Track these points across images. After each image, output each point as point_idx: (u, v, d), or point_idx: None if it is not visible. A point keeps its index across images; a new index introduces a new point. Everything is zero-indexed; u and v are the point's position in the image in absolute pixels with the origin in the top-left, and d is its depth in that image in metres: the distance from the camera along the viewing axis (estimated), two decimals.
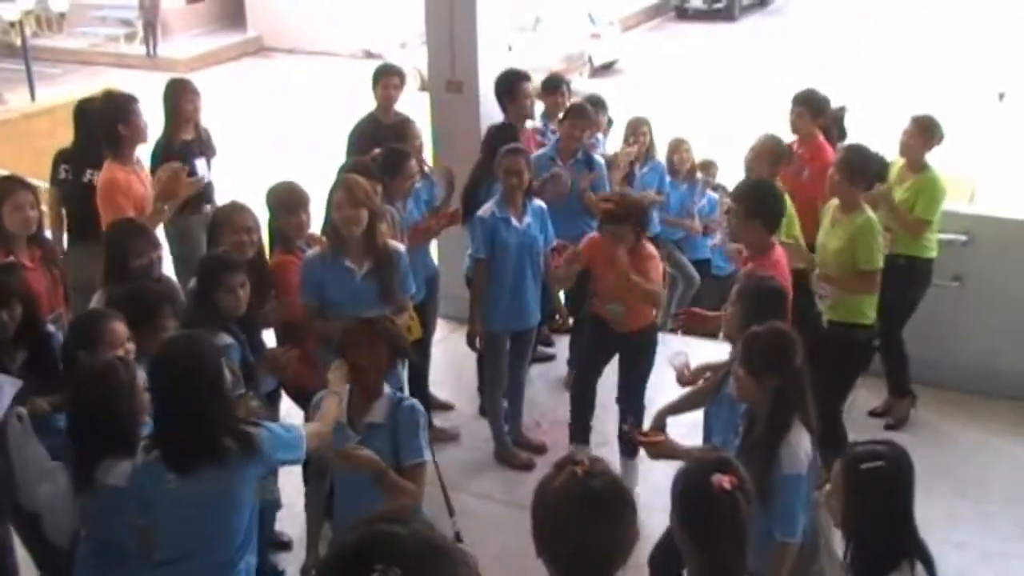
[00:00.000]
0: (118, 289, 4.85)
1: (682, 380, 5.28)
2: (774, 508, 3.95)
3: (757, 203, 5.51)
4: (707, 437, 4.76)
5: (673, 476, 3.00)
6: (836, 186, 6.15)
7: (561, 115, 7.63)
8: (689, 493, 2.91)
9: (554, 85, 7.98)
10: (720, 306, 5.47)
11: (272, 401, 5.52)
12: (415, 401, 4.42)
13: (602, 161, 7.48)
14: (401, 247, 5.57)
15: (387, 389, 4.32)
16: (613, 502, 2.55)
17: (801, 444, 4.09)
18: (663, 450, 4.55)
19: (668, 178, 8.60)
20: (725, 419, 4.57)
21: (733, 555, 2.85)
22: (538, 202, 6.51)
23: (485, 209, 6.39)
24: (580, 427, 6.41)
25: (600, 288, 6.14)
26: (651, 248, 6.07)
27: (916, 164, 6.72)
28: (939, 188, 6.68)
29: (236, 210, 5.40)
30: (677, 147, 8.72)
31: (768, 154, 6.60)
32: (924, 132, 6.67)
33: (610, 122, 8.60)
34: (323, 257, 5.36)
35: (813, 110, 7.21)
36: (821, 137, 7.19)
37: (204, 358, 3.74)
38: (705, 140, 10.31)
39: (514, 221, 6.33)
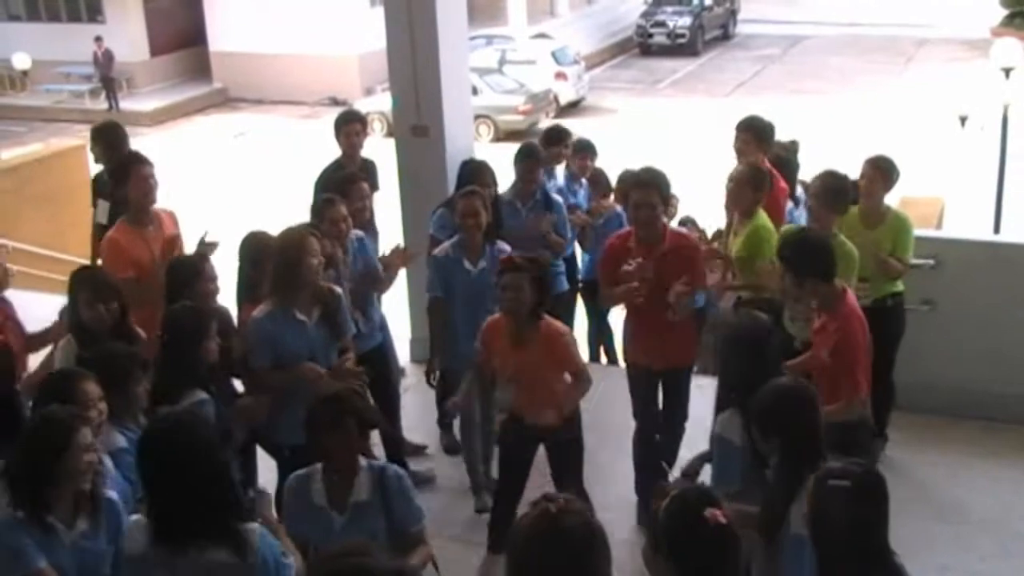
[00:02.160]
0: (89, 349, 4.79)
1: None
2: (780, 566, 3.84)
3: (804, 260, 5.13)
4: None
5: (650, 518, 2.89)
6: (815, 212, 6.12)
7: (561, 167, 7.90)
8: (681, 529, 2.75)
9: (557, 137, 8.03)
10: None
11: (247, 455, 5.45)
12: (394, 467, 4.30)
13: (560, 201, 7.48)
14: (337, 288, 5.53)
15: (362, 461, 4.13)
16: (583, 540, 2.50)
17: None
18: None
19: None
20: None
21: None
22: (501, 245, 6.39)
23: (442, 248, 6.40)
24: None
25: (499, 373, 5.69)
26: (558, 325, 5.47)
27: (878, 209, 6.48)
28: (911, 224, 6.60)
29: (204, 260, 5.35)
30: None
31: (749, 181, 6.55)
32: (884, 174, 6.48)
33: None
34: (272, 315, 5.25)
35: (758, 136, 7.21)
36: (767, 163, 7.16)
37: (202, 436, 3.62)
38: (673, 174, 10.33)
39: (467, 264, 6.27)
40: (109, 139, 7.23)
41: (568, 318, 7.66)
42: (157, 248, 6.16)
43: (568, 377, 5.41)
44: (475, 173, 6.92)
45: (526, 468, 5.65)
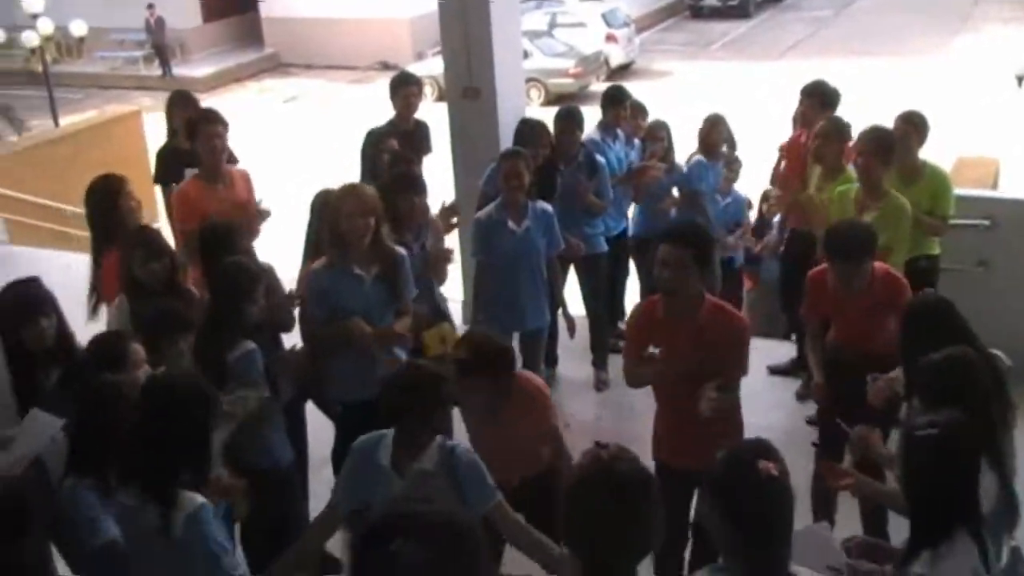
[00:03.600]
0: (139, 304, 4.91)
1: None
2: None
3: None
4: None
5: (704, 476, 2.84)
6: (867, 171, 5.96)
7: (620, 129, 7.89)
8: (734, 482, 2.72)
9: (616, 99, 8.04)
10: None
11: (294, 413, 5.53)
12: (467, 446, 4.16)
13: (603, 163, 7.49)
14: (403, 251, 5.54)
15: (437, 438, 4.05)
16: (636, 487, 2.53)
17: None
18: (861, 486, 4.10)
19: (702, 160, 8.51)
20: None
21: (781, 544, 2.73)
22: (542, 205, 6.49)
23: (484, 211, 6.44)
24: None
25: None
26: (533, 384, 4.82)
27: (914, 165, 6.35)
28: (949, 180, 6.47)
29: (231, 231, 5.43)
30: (714, 123, 8.53)
31: (835, 134, 6.43)
32: (918, 129, 6.38)
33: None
34: (330, 267, 5.32)
35: (823, 101, 7.18)
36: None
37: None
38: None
39: (511, 224, 6.34)
40: (183, 105, 7.43)
41: (599, 281, 7.68)
42: (226, 206, 6.25)
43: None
44: (532, 133, 6.98)
45: None
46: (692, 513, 4.50)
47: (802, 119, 7.31)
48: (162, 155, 7.56)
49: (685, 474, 4.36)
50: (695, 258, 4.45)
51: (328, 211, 5.38)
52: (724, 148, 8.58)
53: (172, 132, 7.51)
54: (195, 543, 3.40)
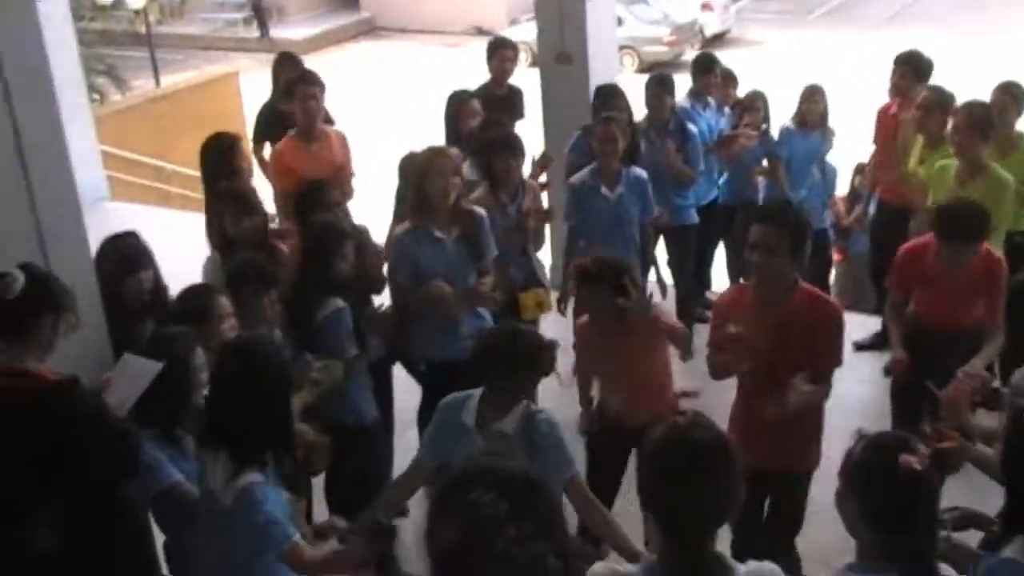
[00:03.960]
0: (228, 260, 5.01)
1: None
2: None
3: None
4: None
5: (843, 459, 2.78)
6: (964, 147, 5.82)
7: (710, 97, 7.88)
8: (874, 473, 2.66)
9: (706, 66, 7.99)
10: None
11: (382, 373, 5.62)
12: (551, 413, 4.07)
13: (695, 131, 7.43)
14: (481, 210, 5.57)
15: (523, 402, 4.03)
16: (716, 455, 2.51)
17: None
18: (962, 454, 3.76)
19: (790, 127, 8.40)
20: None
21: (926, 539, 2.67)
22: (637, 171, 6.50)
23: (578, 176, 6.46)
24: None
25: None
26: (667, 321, 4.99)
27: (1010, 136, 6.20)
28: None
29: (322, 190, 5.54)
30: (809, 96, 8.46)
31: (938, 105, 6.32)
32: (1016, 100, 6.25)
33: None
34: (411, 232, 5.37)
35: (917, 72, 7.03)
36: None
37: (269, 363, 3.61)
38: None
39: (604, 190, 6.34)
40: (289, 67, 7.53)
41: (687, 253, 7.64)
42: (322, 166, 6.37)
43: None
44: (608, 97, 6.98)
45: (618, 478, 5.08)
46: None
47: (895, 90, 7.18)
48: (262, 115, 7.70)
49: (760, 473, 3.83)
50: (789, 241, 4.19)
51: (413, 173, 5.43)
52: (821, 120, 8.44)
53: (276, 92, 7.61)
54: (243, 516, 3.39)
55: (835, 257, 8.99)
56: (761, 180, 8.15)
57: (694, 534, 2.51)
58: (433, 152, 5.40)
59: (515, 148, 6.03)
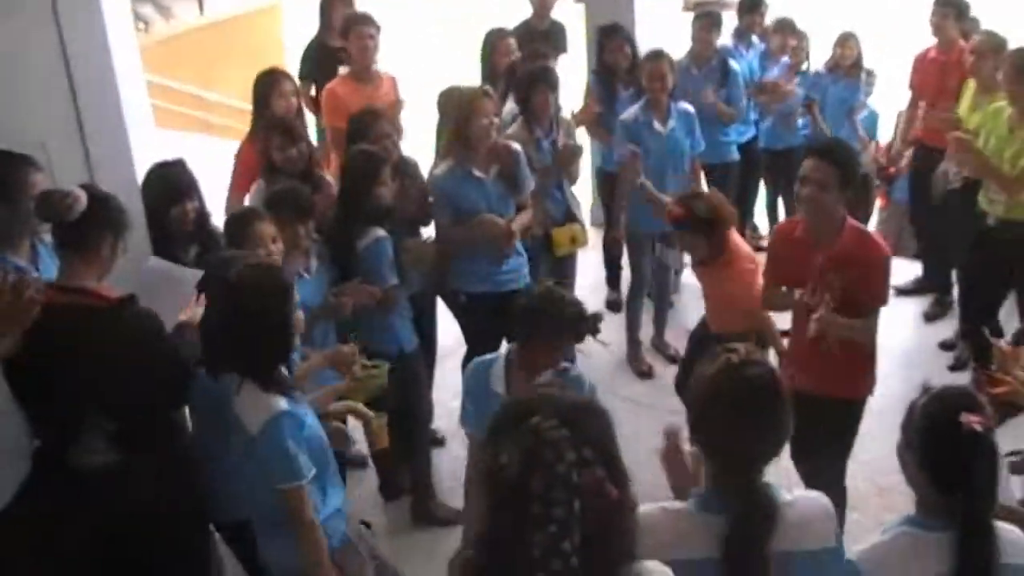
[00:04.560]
0: (273, 188, 5.05)
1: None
2: None
3: None
4: None
5: (907, 408, 2.75)
6: (1014, 95, 5.74)
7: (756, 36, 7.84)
8: (933, 435, 2.65)
9: (752, 5, 7.96)
10: None
11: (426, 304, 5.69)
12: (579, 370, 4.11)
13: (737, 70, 7.41)
14: (517, 145, 5.59)
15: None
16: (768, 391, 2.54)
17: None
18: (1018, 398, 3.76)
19: (824, 74, 8.32)
20: None
21: (985, 499, 2.62)
22: (684, 106, 6.55)
23: (629, 113, 6.47)
24: None
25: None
26: (743, 251, 5.19)
27: None
28: None
29: (375, 119, 5.51)
30: (843, 42, 8.38)
31: (991, 50, 6.23)
32: None
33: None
34: (451, 172, 5.40)
35: (958, 11, 6.93)
36: (963, 42, 6.85)
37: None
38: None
39: (657, 125, 6.38)
40: (344, 3, 7.46)
41: (728, 190, 7.54)
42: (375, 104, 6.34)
43: None
44: (610, 35, 7.04)
45: None
46: None
47: (935, 31, 7.07)
48: (309, 52, 7.60)
49: (811, 398, 3.96)
50: (839, 177, 4.23)
51: (453, 112, 5.45)
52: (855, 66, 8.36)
53: (323, 28, 7.52)
54: (268, 445, 3.42)
55: (878, 203, 8.94)
56: (800, 122, 8.09)
57: (745, 467, 2.55)
58: (476, 93, 5.41)
59: (551, 82, 6.02)
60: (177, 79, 14.21)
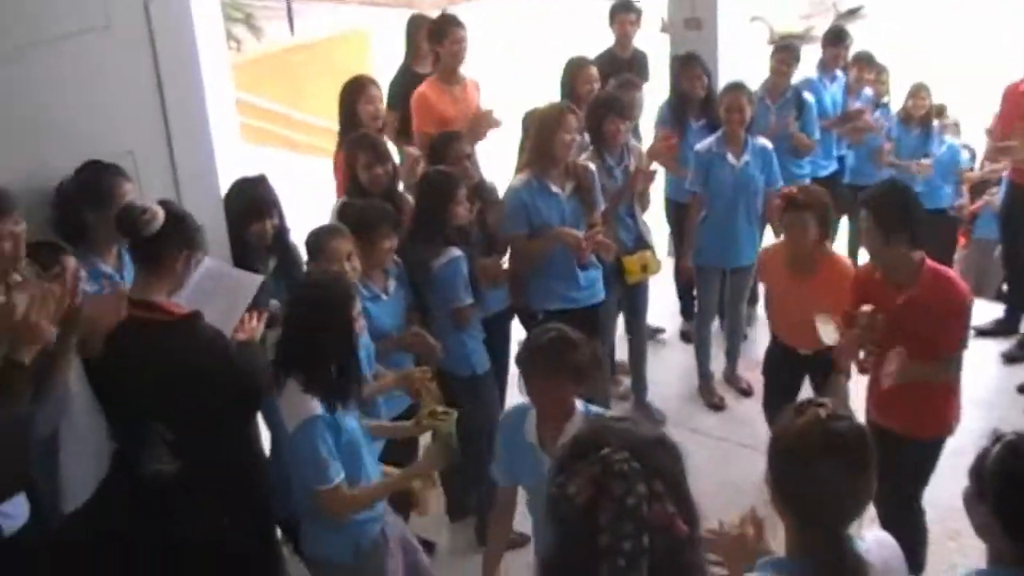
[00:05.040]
0: (351, 202, 5.14)
1: None
2: None
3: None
4: None
5: (977, 455, 2.62)
6: None
7: (839, 69, 7.82)
8: (1009, 485, 2.51)
9: (836, 38, 7.94)
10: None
11: (501, 323, 5.71)
12: (602, 412, 3.82)
13: (811, 102, 7.38)
14: (592, 165, 5.66)
15: (580, 406, 3.74)
16: (856, 445, 2.46)
17: None
18: None
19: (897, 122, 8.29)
20: None
21: None
22: (762, 141, 6.51)
23: (704, 144, 6.49)
24: None
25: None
26: (843, 264, 5.38)
27: None
28: None
29: (453, 140, 5.59)
30: (915, 93, 8.37)
31: None
32: None
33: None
34: (527, 185, 5.48)
35: None
36: None
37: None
38: (952, 86, 9.84)
39: (731, 158, 6.36)
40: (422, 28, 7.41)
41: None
42: (462, 108, 6.55)
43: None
44: (685, 64, 7.04)
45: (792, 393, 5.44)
46: None
47: None
48: (398, 80, 7.46)
49: (884, 432, 4.19)
50: (895, 226, 4.24)
51: (536, 126, 5.49)
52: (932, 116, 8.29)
53: (409, 55, 7.49)
54: (300, 445, 3.59)
55: (959, 241, 8.81)
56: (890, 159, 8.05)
57: (833, 524, 2.46)
58: (561, 109, 5.48)
59: (623, 110, 6.06)
60: (265, 97, 14.46)
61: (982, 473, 2.57)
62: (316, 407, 3.60)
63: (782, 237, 5.49)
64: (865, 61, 8.03)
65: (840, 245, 8.40)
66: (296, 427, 3.61)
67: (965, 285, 4.51)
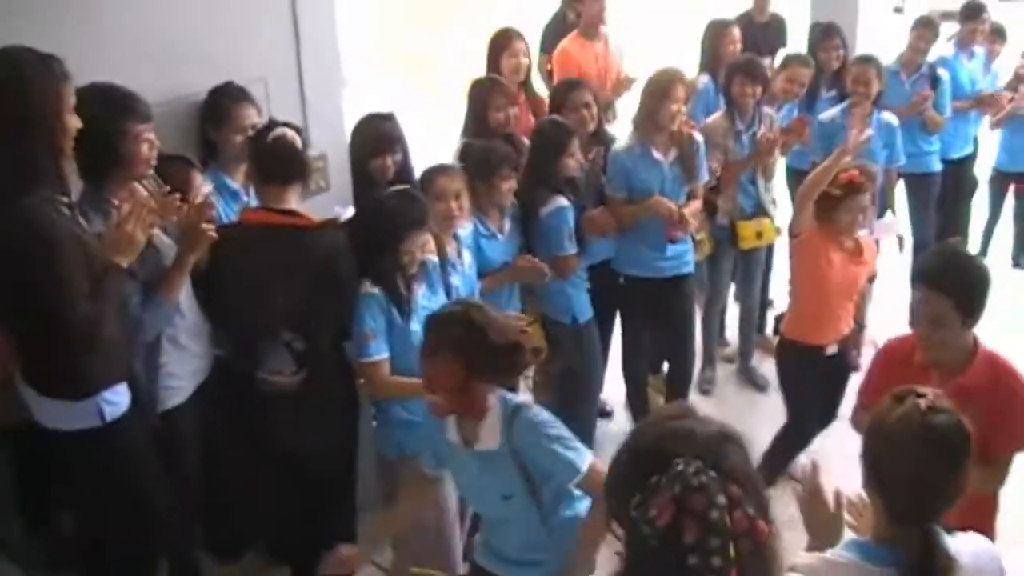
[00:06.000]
0: (472, 143, 5.23)
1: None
2: None
3: None
4: None
5: None
6: None
7: (976, 46, 7.63)
8: (874, 433, 2.55)
9: (973, 13, 7.71)
10: None
11: (610, 271, 5.71)
12: (532, 409, 3.26)
13: (946, 77, 7.21)
14: (699, 136, 5.65)
15: (492, 401, 3.24)
16: (955, 440, 2.44)
17: None
18: None
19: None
20: None
21: None
22: (888, 116, 6.42)
23: (828, 114, 6.49)
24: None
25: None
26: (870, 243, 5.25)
27: None
28: None
29: (574, 87, 5.59)
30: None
31: None
32: None
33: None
34: (630, 149, 5.49)
35: None
36: None
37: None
38: None
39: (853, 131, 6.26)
40: None
41: (925, 202, 7.41)
42: (602, 64, 6.74)
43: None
44: (823, 35, 6.98)
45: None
46: None
47: None
48: (551, 26, 7.78)
49: None
50: (957, 306, 3.39)
51: (646, 95, 5.50)
52: None
53: (566, 2, 7.67)
54: (355, 318, 3.97)
55: None
56: None
57: (924, 518, 2.45)
58: (670, 77, 5.44)
59: (754, 74, 6.02)
60: (410, 35, 14.61)
61: None
62: (371, 287, 3.97)
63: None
64: (999, 35, 7.84)
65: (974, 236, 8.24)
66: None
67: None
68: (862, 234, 5.19)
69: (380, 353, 3.96)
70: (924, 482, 2.41)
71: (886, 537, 2.48)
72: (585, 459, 3.19)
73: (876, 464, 2.50)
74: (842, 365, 5.24)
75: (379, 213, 4.07)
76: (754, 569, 1.82)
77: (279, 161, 3.94)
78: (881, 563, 2.43)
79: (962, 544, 2.49)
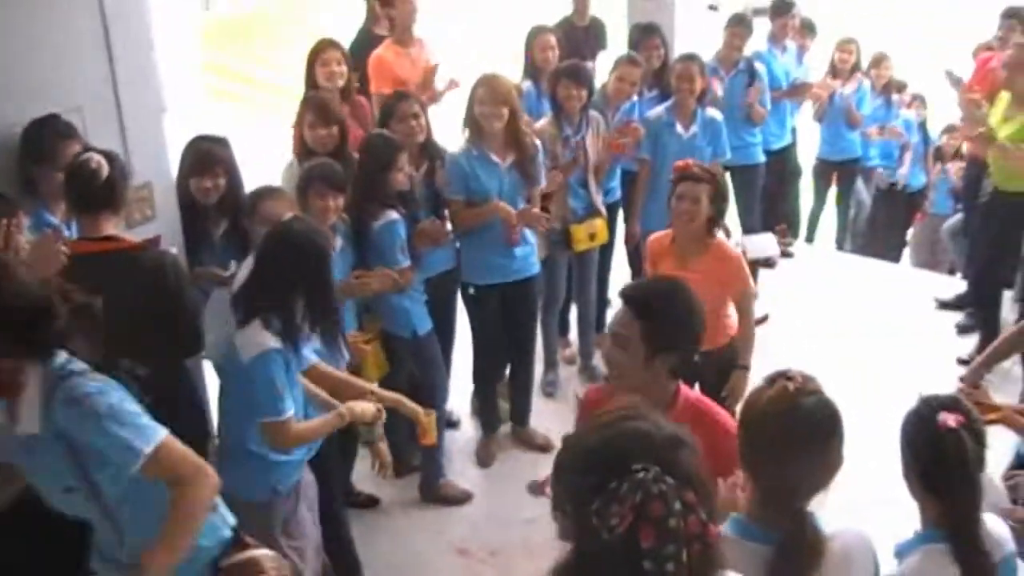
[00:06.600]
0: (293, 162, 5.23)
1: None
2: None
3: None
4: None
5: (902, 421, 2.79)
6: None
7: (788, 40, 7.95)
8: (914, 435, 2.73)
9: (783, 9, 8.02)
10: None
11: (447, 283, 5.74)
12: (76, 383, 2.78)
13: (763, 71, 7.48)
14: (539, 142, 5.69)
15: (30, 376, 2.76)
16: (823, 420, 2.48)
17: None
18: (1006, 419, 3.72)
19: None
20: None
21: (964, 498, 2.67)
22: (712, 113, 6.57)
23: (654, 112, 6.56)
24: None
25: None
26: (728, 248, 5.00)
27: None
28: None
29: (402, 99, 5.57)
30: (878, 63, 8.52)
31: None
32: None
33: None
34: (467, 152, 5.52)
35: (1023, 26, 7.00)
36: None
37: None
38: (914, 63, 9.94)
39: (679, 128, 6.44)
40: None
41: (752, 193, 7.69)
42: (417, 68, 6.67)
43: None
44: (644, 34, 7.05)
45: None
46: None
47: (1000, 44, 7.14)
48: (358, 42, 7.37)
49: None
50: (648, 334, 3.12)
51: (469, 98, 5.53)
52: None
53: (369, 18, 7.47)
54: (258, 375, 3.69)
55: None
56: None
57: (795, 498, 2.48)
58: (483, 80, 5.47)
59: (578, 78, 6.05)
60: (234, 57, 14.42)
61: (901, 430, 2.74)
62: (273, 341, 3.71)
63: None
64: (808, 29, 8.22)
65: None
66: (253, 358, 3.69)
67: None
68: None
69: (289, 409, 3.74)
70: (793, 462, 2.43)
71: (760, 516, 2.51)
72: (152, 439, 2.75)
73: (749, 446, 2.52)
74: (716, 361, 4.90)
75: (300, 240, 3.82)
76: (701, 569, 1.82)
77: (86, 187, 3.82)
78: (756, 540, 2.46)
79: (838, 533, 2.52)
